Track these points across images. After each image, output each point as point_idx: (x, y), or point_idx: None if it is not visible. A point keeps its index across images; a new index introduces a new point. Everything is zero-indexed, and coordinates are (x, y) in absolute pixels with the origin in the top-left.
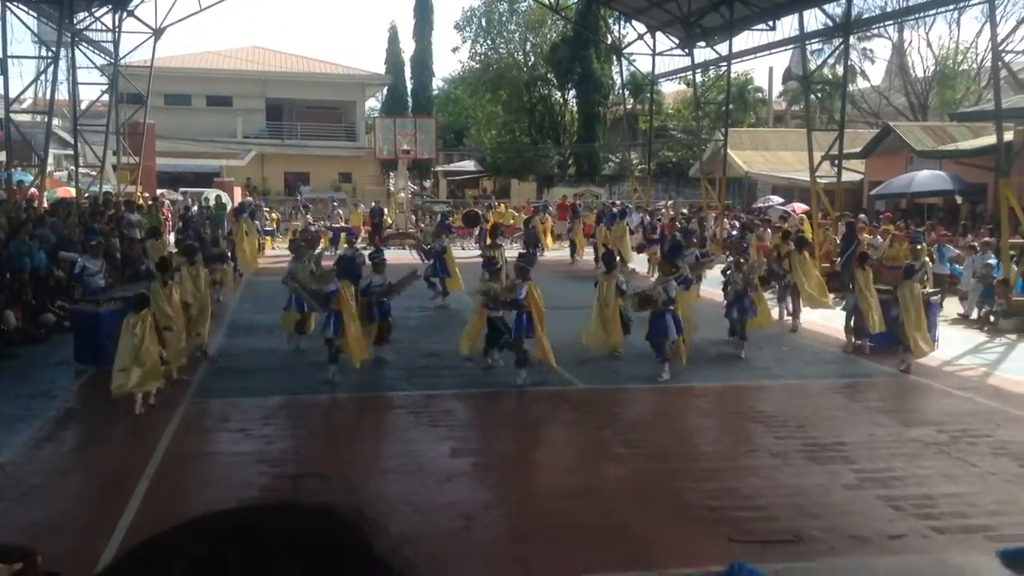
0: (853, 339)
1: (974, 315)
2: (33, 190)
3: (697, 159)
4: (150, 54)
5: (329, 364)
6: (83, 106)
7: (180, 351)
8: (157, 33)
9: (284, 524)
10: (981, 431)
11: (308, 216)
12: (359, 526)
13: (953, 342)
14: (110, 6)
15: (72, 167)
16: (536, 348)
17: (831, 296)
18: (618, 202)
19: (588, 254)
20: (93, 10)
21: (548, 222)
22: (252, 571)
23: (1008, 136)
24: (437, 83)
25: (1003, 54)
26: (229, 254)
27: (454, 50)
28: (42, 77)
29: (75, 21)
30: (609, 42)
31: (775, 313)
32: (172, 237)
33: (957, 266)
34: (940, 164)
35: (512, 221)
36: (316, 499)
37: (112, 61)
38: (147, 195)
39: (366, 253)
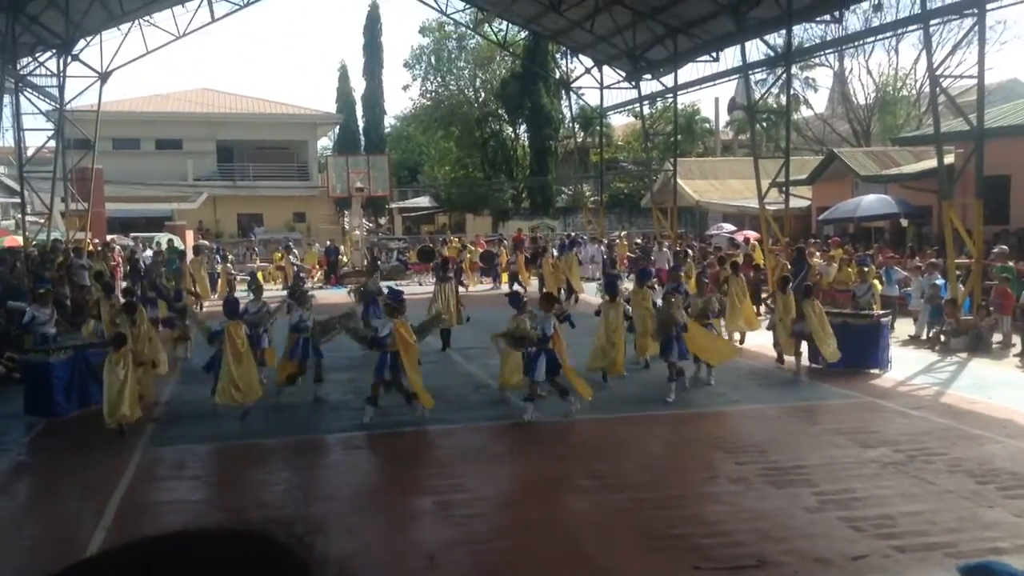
0: (799, 362)
1: (924, 335)
2: None
3: (648, 190)
4: (96, 98)
5: (368, 406)
6: (29, 153)
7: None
8: (103, 77)
9: (218, 548)
10: (936, 449)
11: (291, 257)
12: (296, 552)
13: (905, 362)
14: (54, 51)
15: (19, 215)
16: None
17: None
18: (572, 233)
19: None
20: (37, 55)
21: (503, 255)
22: None
23: (949, 159)
24: (389, 121)
25: (941, 79)
26: (191, 306)
27: (405, 88)
28: None
29: (19, 66)
30: (558, 77)
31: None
32: (122, 284)
33: (908, 289)
34: (885, 188)
35: (469, 256)
36: (260, 528)
37: (58, 106)
38: (96, 241)
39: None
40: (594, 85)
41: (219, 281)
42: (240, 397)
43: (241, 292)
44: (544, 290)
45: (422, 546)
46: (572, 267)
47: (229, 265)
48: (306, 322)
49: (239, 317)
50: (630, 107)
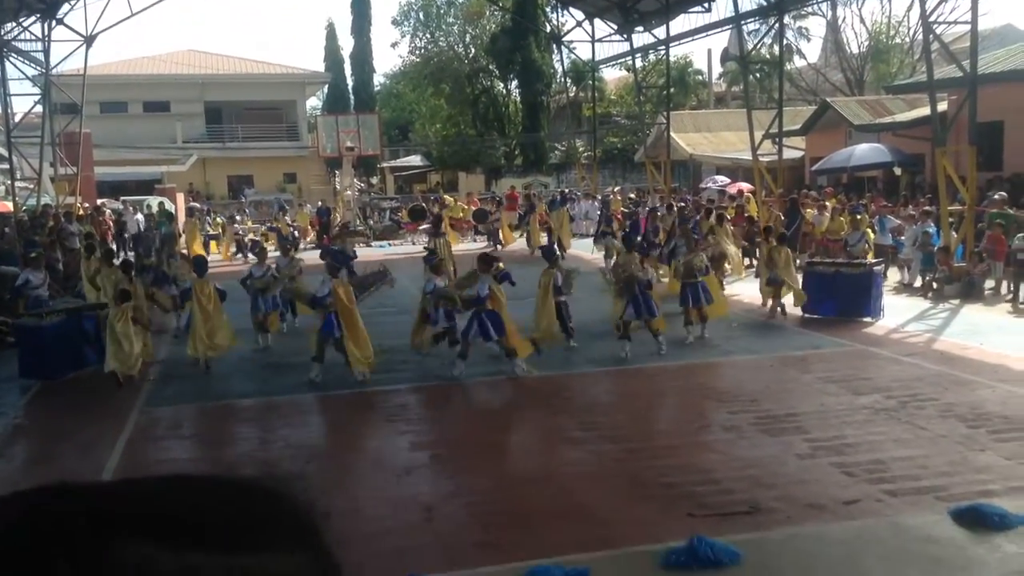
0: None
1: (917, 283)
2: None
3: (642, 144)
4: (82, 62)
5: (314, 363)
6: (16, 118)
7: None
8: (88, 40)
9: (199, 498)
10: (928, 395)
11: (287, 217)
12: (293, 503)
13: (898, 310)
14: (38, 15)
15: (8, 181)
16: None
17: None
18: (565, 190)
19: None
20: (21, 20)
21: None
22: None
23: (942, 106)
24: (378, 79)
25: (934, 26)
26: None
27: (393, 45)
28: None
29: (3, 32)
30: (548, 30)
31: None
32: (114, 247)
33: (900, 237)
34: (878, 137)
35: (462, 214)
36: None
37: (43, 71)
38: (87, 205)
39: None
40: (585, 39)
41: (225, 242)
42: (204, 350)
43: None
44: (494, 249)
45: (419, 499)
46: (563, 223)
47: (236, 226)
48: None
49: (205, 274)
50: (622, 60)
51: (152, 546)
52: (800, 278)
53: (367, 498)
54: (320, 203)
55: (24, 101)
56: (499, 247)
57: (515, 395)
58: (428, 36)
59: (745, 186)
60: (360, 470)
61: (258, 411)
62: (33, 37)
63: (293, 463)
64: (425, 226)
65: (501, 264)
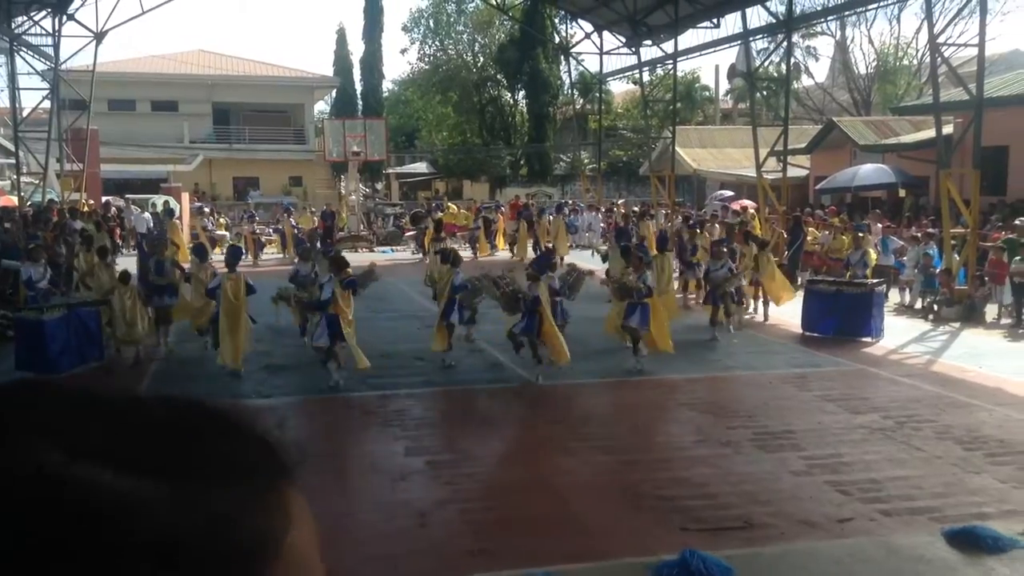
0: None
1: (918, 305)
2: None
3: (647, 158)
4: (92, 58)
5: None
6: (24, 113)
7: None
8: (99, 37)
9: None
10: (926, 416)
11: (291, 219)
12: (254, 426)
13: (898, 331)
14: (49, 10)
15: (14, 176)
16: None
17: None
18: (568, 200)
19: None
20: (32, 14)
21: (500, 222)
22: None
23: (948, 129)
24: (387, 85)
25: (942, 48)
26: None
27: (403, 52)
28: None
29: (13, 26)
30: (557, 42)
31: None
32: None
33: (903, 259)
34: (883, 158)
35: (465, 222)
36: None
37: (53, 66)
38: (91, 202)
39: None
40: (593, 51)
41: (246, 240)
42: (231, 358)
43: (270, 252)
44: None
45: (414, 505)
46: (559, 232)
47: (255, 226)
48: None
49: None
50: (630, 73)
51: (62, 458)
52: (801, 296)
53: (361, 503)
54: (325, 207)
55: (32, 96)
56: (476, 256)
57: (512, 403)
58: (437, 44)
59: (748, 203)
60: (355, 475)
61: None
62: (43, 32)
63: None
64: (411, 232)
65: (552, 273)
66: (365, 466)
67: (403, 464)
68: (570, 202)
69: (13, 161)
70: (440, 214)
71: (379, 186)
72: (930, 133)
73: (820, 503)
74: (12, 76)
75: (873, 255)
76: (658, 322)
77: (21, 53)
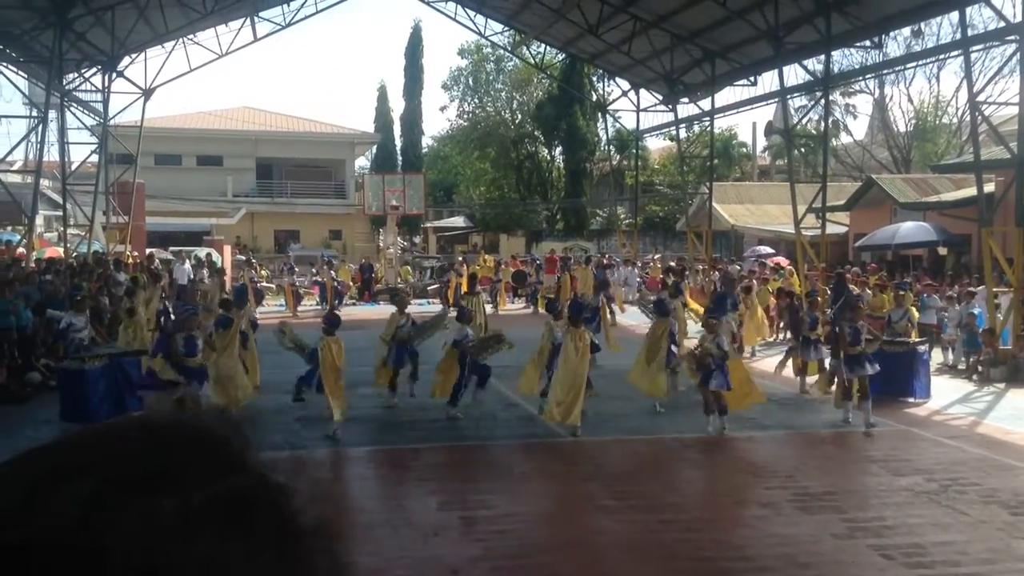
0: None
1: (961, 365)
2: (21, 250)
3: (683, 213)
4: (140, 114)
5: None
6: (73, 166)
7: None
8: (147, 93)
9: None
10: (970, 479)
11: (331, 271)
12: (227, 438)
13: (941, 391)
14: (100, 67)
15: (61, 228)
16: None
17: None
18: (606, 255)
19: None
20: (83, 71)
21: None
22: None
23: (989, 187)
24: (426, 141)
25: (982, 106)
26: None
27: (442, 109)
28: (31, 137)
29: (65, 82)
30: (594, 99)
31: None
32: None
33: (944, 315)
34: (924, 215)
35: (489, 273)
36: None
37: (101, 121)
38: (135, 254)
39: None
40: (630, 108)
41: (285, 293)
42: (341, 414)
43: (310, 303)
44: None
45: (446, 560)
46: (587, 280)
47: (294, 277)
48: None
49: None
50: (666, 130)
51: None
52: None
53: (394, 558)
54: (363, 260)
55: (81, 150)
56: (496, 309)
57: (547, 459)
58: (476, 101)
59: (783, 260)
60: (388, 529)
61: (288, 464)
62: (93, 88)
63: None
64: (434, 285)
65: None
66: (398, 520)
67: (436, 519)
68: (609, 257)
69: (61, 213)
70: (476, 267)
71: (417, 239)
72: (971, 191)
73: (862, 568)
74: (62, 131)
75: (915, 313)
76: (738, 377)
77: (72, 108)
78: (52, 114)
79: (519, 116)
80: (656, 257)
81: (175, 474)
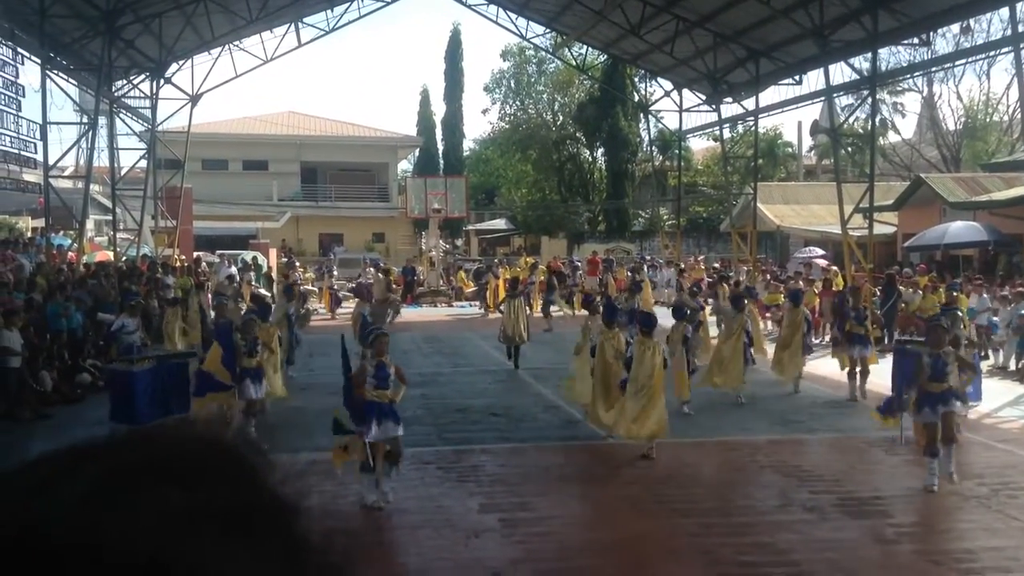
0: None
1: (1012, 367)
2: (72, 253)
3: (727, 214)
4: (187, 120)
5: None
6: (122, 172)
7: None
8: (194, 99)
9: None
10: (1021, 484)
11: (380, 274)
12: (239, 452)
13: (992, 394)
14: (148, 74)
15: (111, 232)
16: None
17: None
18: (648, 256)
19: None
20: (131, 78)
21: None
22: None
23: None
24: (468, 144)
25: None
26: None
27: (484, 112)
28: (82, 143)
29: (114, 89)
30: (636, 100)
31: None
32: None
33: (994, 317)
34: (974, 215)
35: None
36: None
37: (150, 127)
38: (183, 258)
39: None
40: (673, 108)
41: (324, 295)
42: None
43: (349, 307)
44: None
45: (487, 562)
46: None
47: (333, 280)
48: None
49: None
50: (710, 130)
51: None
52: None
53: (434, 559)
54: (405, 263)
55: (130, 155)
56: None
57: (589, 462)
58: (518, 104)
59: (822, 261)
60: (429, 530)
61: (326, 465)
62: (142, 95)
63: (364, 520)
64: (472, 289)
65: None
66: (439, 521)
67: (477, 521)
68: (652, 259)
69: (110, 218)
70: (518, 269)
71: (459, 242)
72: (1023, 190)
73: (910, 573)
74: (111, 136)
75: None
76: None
77: (121, 115)
78: (102, 120)
79: (560, 118)
80: (700, 258)
81: (184, 481)
